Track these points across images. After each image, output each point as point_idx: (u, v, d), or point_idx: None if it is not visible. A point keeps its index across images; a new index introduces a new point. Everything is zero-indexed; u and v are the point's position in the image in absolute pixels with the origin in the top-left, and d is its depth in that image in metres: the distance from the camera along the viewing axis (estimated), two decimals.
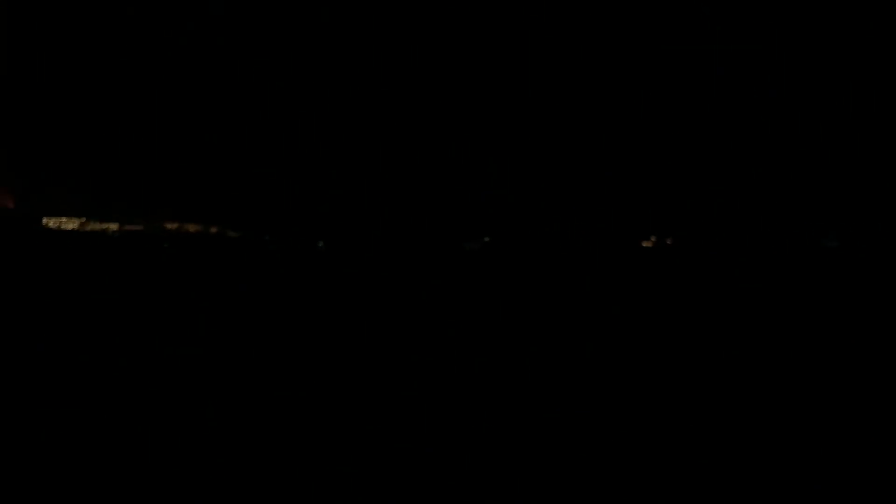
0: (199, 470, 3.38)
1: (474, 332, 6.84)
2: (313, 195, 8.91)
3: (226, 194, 9.15)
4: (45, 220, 9.30)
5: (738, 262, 9.54)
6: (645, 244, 9.40)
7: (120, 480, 3.24)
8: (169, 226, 9.09)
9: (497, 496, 3.19)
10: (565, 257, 9.65)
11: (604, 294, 8.68)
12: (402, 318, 7.29)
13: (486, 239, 9.35)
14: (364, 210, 8.77)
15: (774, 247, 9.68)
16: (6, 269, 8.50)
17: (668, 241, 9.21)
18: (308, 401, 4.51)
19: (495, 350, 6.10)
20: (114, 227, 9.30)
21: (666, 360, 5.84)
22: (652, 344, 6.37)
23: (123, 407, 4.25)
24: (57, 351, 5.52)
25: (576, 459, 3.60)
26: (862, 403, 4.55)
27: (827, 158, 9.06)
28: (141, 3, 8.62)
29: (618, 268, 9.30)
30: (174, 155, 9.00)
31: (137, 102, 8.96)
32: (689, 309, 7.92)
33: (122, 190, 9.35)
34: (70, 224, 9.32)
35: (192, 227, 9.02)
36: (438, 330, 6.46)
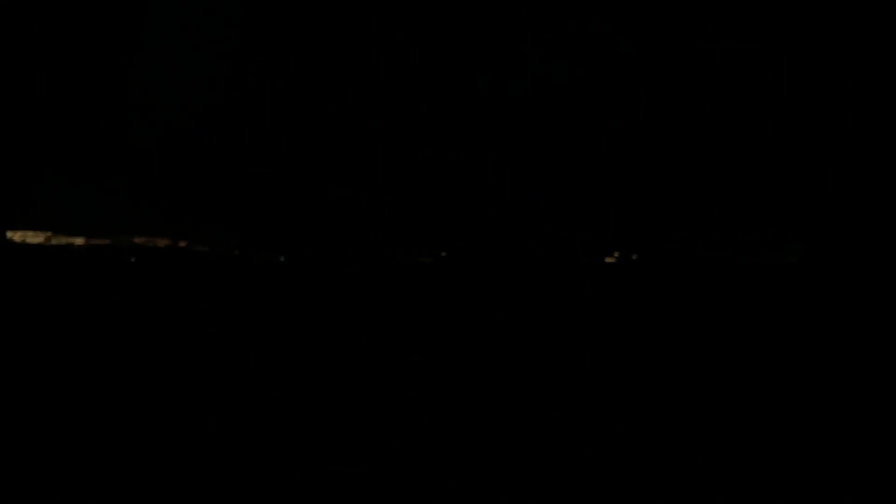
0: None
1: (428, 351, 8.30)
2: (279, 210, 9.64)
3: (196, 209, 9.49)
4: (9, 234, 9.63)
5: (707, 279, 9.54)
6: (608, 259, 9.43)
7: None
8: (137, 240, 9.93)
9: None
10: (526, 273, 10.66)
11: (565, 313, 9.83)
12: (358, 335, 10.16)
13: (443, 254, 10.35)
14: (325, 223, 9.82)
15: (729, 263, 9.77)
16: None
17: (634, 257, 8.83)
18: (266, 417, 4.91)
19: (452, 370, 6.47)
20: (80, 241, 9.87)
21: (630, 377, 6.29)
22: (617, 362, 6.74)
23: (86, 424, 4.60)
24: (21, 366, 5.84)
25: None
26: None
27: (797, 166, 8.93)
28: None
29: (579, 286, 9.78)
30: (143, 168, 9.28)
31: (105, 112, 9.07)
32: (657, 328, 9.56)
33: (90, 204, 9.56)
34: (35, 238, 9.61)
35: (161, 242, 10.09)
36: (394, 348, 8.70)
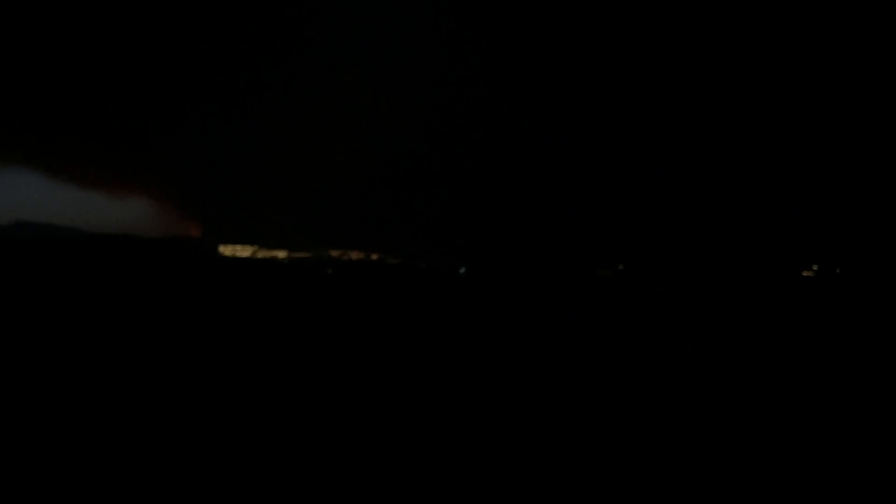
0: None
1: (606, 357, 7.39)
2: (462, 226, 15.51)
3: (385, 223, 16.03)
4: (221, 249, 16.39)
5: None
6: (805, 273, 14.14)
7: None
8: (334, 253, 16.89)
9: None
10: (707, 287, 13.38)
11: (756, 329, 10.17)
12: (534, 344, 9.06)
13: (620, 266, 15.70)
14: (504, 240, 15.53)
15: None
16: (189, 292, 11.47)
17: (838, 270, 13.05)
18: (449, 421, 4.28)
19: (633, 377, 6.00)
20: (282, 254, 16.79)
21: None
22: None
23: (283, 426, 3.94)
24: (231, 367, 5.13)
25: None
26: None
27: None
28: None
29: (774, 300, 11.81)
30: (340, 188, 15.00)
31: (307, 141, 14.24)
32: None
33: (292, 221, 16.47)
34: (243, 252, 16.23)
35: (354, 255, 16.95)
36: (573, 354, 8.02)
